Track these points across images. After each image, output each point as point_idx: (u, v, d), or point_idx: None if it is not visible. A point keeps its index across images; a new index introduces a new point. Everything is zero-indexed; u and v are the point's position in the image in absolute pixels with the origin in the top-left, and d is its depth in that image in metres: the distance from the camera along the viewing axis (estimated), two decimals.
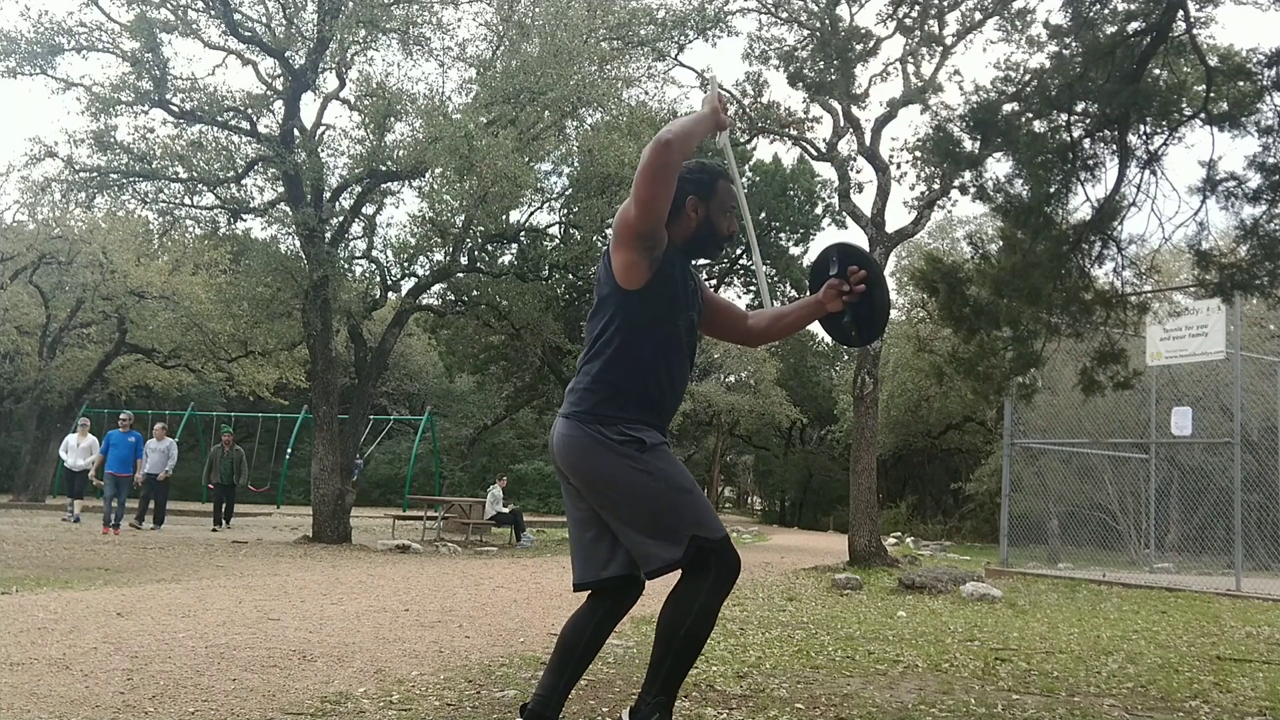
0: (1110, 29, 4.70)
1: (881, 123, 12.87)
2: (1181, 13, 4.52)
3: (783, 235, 33.56)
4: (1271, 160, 4.41)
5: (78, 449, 13.89)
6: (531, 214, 16.31)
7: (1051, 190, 4.78)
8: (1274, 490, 12.08)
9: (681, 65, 18.45)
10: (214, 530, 13.87)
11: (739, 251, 18.16)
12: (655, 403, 2.60)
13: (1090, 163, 4.77)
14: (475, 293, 15.23)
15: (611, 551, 2.58)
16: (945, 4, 10.82)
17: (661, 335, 2.60)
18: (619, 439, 2.50)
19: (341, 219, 13.32)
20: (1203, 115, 4.52)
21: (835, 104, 12.88)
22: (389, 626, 4.91)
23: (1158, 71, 4.76)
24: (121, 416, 13.63)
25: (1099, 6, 4.72)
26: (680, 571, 2.49)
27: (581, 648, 2.62)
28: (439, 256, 14.65)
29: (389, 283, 15.13)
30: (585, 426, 2.53)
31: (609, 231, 2.62)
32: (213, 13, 12.21)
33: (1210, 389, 13.99)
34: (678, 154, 2.46)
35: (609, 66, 13.59)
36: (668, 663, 2.48)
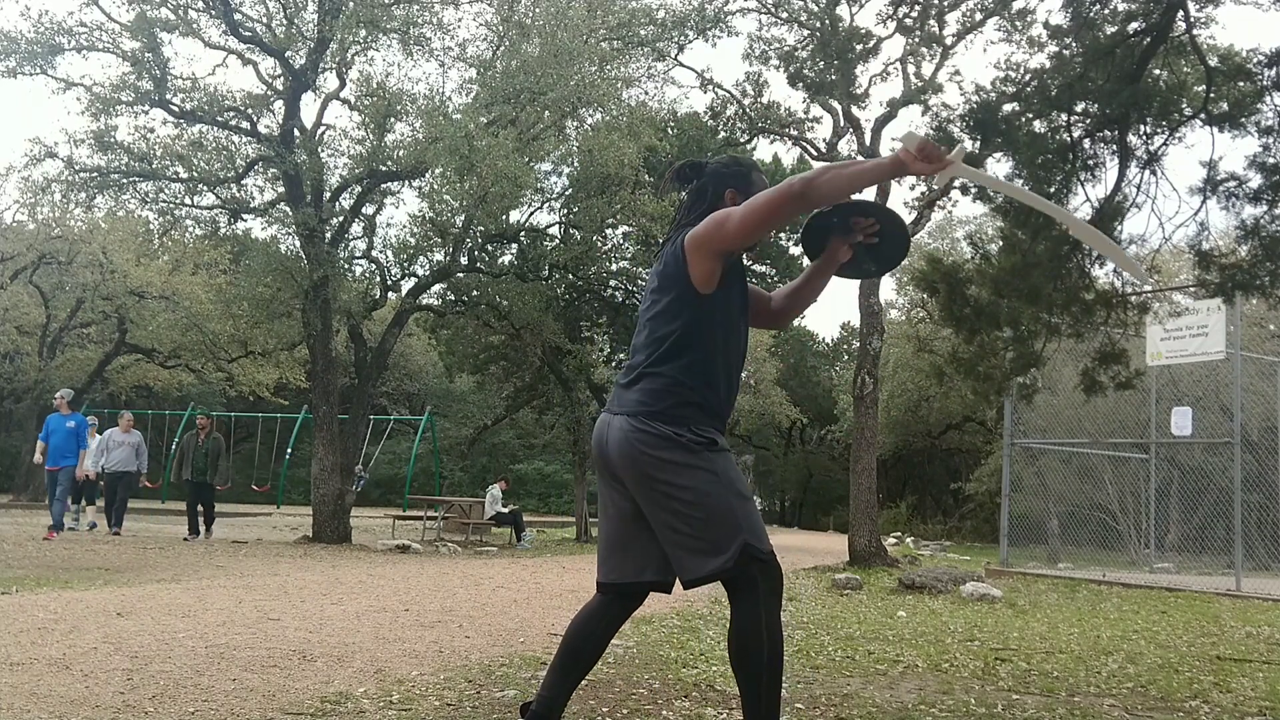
0: (1110, 29, 4.70)
1: (881, 123, 12.88)
2: (1181, 13, 4.52)
3: (782, 235, 33.56)
4: (1272, 160, 4.41)
5: (90, 451, 12.63)
6: (531, 214, 16.31)
7: (1051, 190, 4.78)
8: (1274, 490, 12.07)
9: (681, 65, 18.46)
10: (186, 539, 11.69)
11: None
12: (719, 406, 2.60)
13: (1090, 163, 4.78)
14: (475, 293, 15.21)
15: (648, 556, 2.58)
16: (945, 4, 10.82)
17: (728, 338, 2.63)
18: (692, 438, 2.49)
19: (341, 219, 13.31)
20: (1203, 115, 4.53)
21: (835, 104, 12.89)
22: (389, 626, 4.90)
23: (1158, 71, 4.76)
24: (59, 395, 11.82)
25: (1099, 7, 4.73)
26: (727, 592, 2.49)
27: (589, 649, 2.62)
28: (439, 256, 14.64)
29: (389, 283, 15.12)
30: (653, 423, 2.50)
31: (686, 237, 2.55)
32: (213, 13, 12.21)
33: (1210, 389, 13.98)
34: (811, 203, 2.48)
35: (609, 66, 13.57)
36: (762, 694, 2.47)
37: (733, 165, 2.76)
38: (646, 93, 15.50)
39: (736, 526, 2.44)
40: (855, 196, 2.79)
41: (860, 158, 12.22)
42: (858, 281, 12.47)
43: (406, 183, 13.30)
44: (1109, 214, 4.79)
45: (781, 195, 2.43)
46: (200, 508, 12.24)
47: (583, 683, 3.70)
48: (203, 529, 12.18)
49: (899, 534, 24.84)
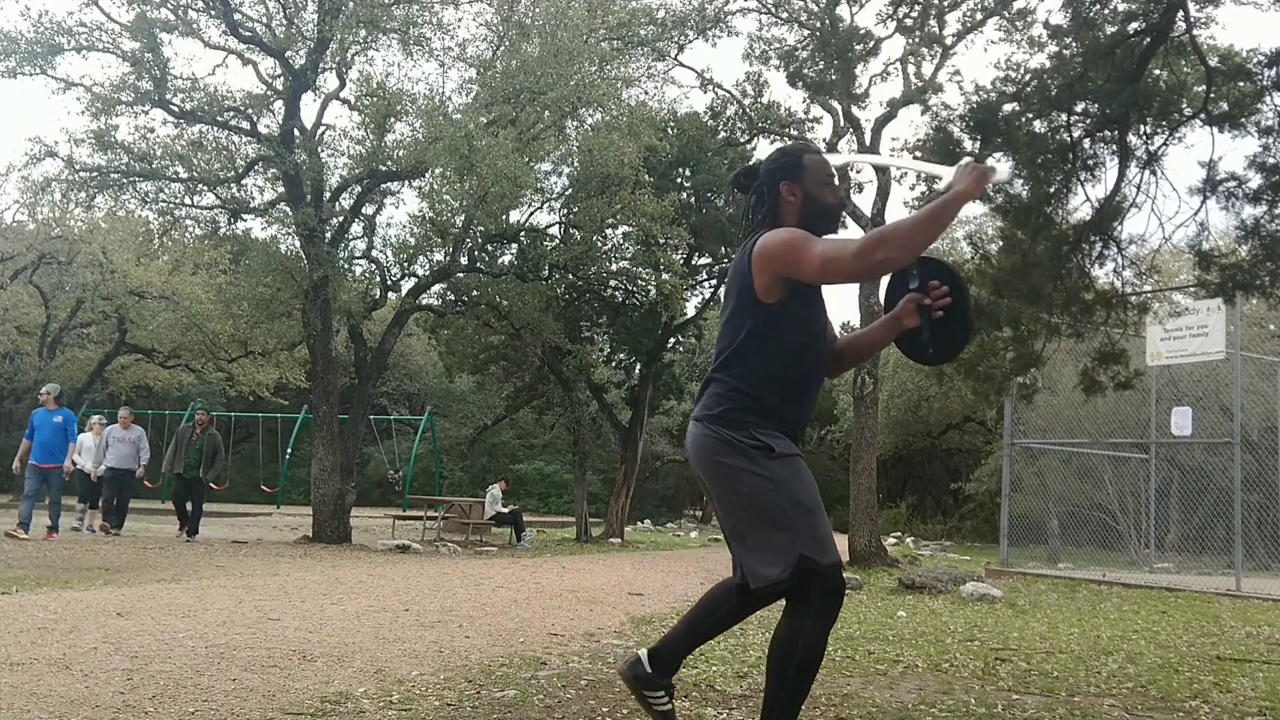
0: (1110, 29, 4.70)
1: (881, 123, 12.88)
2: (1181, 13, 4.52)
3: None
4: (1271, 160, 4.41)
5: (94, 449, 12.41)
6: (531, 214, 16.30)
7: (1051, 190, 4.78)
8: (1274, 490, 12.07)
9: (681, 65, 18.46)
10: (181, 538, 11.44)
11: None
12: (784, 413, 2.57)
13: (1090, 163, 4.78)
14: (475, 293, 15.20)
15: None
16: (945, 4, 10.82)
17: (796, 348, 2.58)
18: (748, 442, 2.49)
19: (341, 219, 13.30)
20: (1203, 115, 4.53)
21: (835, 104, 12.89)
22: (389, 626, 4.90)
23: (1158, 72, 4.76)
24: (45, 390, 11.25)
25: (1099, 7, 4.73)
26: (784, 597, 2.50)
27: (716, 620, 2.69)
28: (439, 256, 14.63)
29: (389, 283, 15.11)
30: (714, 428, 2.52)
31: (756, 245, 2.52)
32: (213, 13, 12.20)
33: (1210, 389, 13.99)
34: (892, 266, 2.46)
35: (609, 66, 13.57)
36: (781, 699, 2.46)
37: (781, 158, 2.71)
38: (646, 93, 15.52)
39: (791, 535, 2.42)
40: (940, 258, 2.71)
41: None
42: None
43: (406, 183, 13.29)
44: (1109, 214, 4.79)
45: (857, 266, 2.38)
46: (189, 505, 11.85)
47: (581, 683, 3.71)
48: (189, 529, 11.78)
49: (899, 534, 24.84)
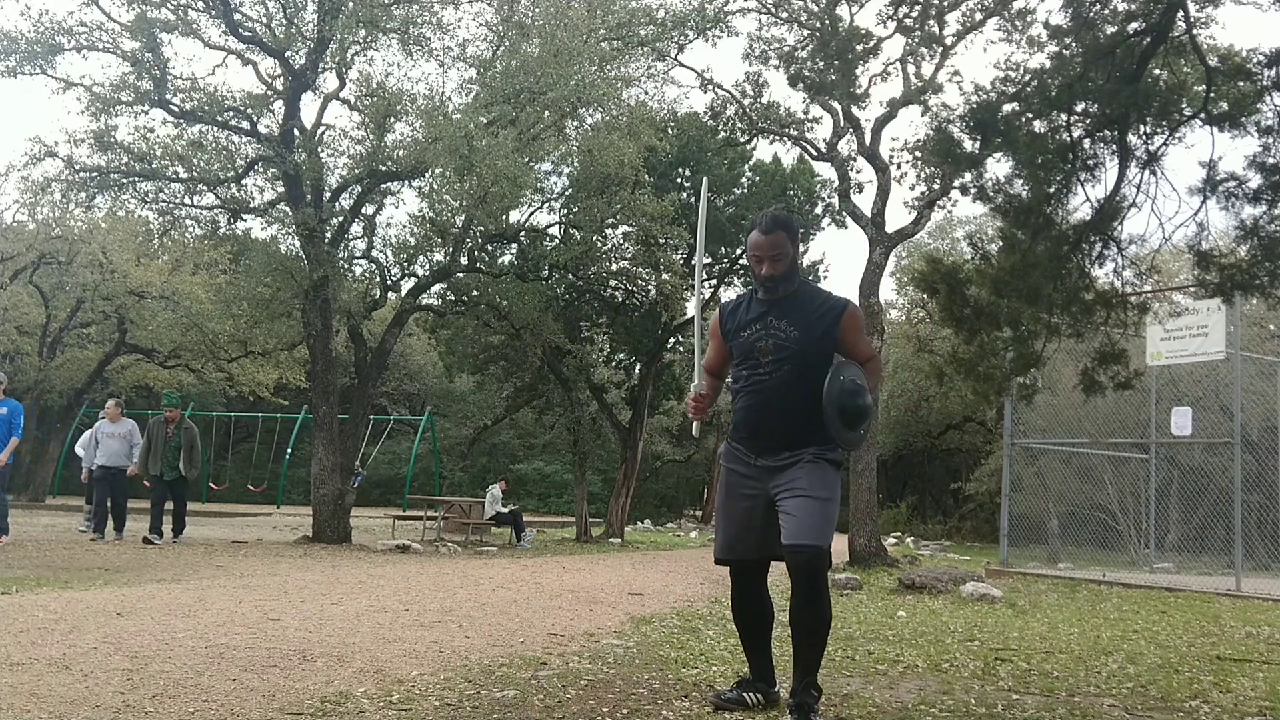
0: (1110, 29, 4.70)
1: (881, 123, 12.87)
2: (1181, 13, 4.52)
3: None
4: (1272, 160, 4.40)
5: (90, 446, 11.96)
6: (531, 214, 16.31)
7: (1051, 190, 4.77)
8: (1274, 490, 12.07)
9: (681, 65, 18.42)
10: (147, 543, 10.50)
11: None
12: (746, 427, 3.37)
13: (1090, 163, 4.77)
14: (475, 293, 15.19)
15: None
16: (945, 4, 10.82)
17: (744, 376, 3.35)
18: (726, 448, 3.50)
19: (341, 219, 13.30)
20: (1203, 115, 4.52)
21: (835, 104, 12.88)
22: (389, 626, 4.90)
23: (1158, 71, 4.76)
24: None
25: (1099, 6, 4.72)
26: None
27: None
28: (439, 256, 14.64)
29: (389, 283, 15.11)
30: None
31: None
32: (213, 13, 12.19)
33: (1210, 389, 13.99)
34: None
35: (609, 66, 13.57)
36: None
37: None
38: (646, 93, 15.50)
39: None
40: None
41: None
42: (859, 277, 12.48)
43: (406, 183, 13.29)
44: (1109, 214, 4.78)
45: None
46: (170, 505, 11.22)
47: (581, 683, 3.71)
48: (168, 530, 11.07)
49: (899, 534, 24.84)
